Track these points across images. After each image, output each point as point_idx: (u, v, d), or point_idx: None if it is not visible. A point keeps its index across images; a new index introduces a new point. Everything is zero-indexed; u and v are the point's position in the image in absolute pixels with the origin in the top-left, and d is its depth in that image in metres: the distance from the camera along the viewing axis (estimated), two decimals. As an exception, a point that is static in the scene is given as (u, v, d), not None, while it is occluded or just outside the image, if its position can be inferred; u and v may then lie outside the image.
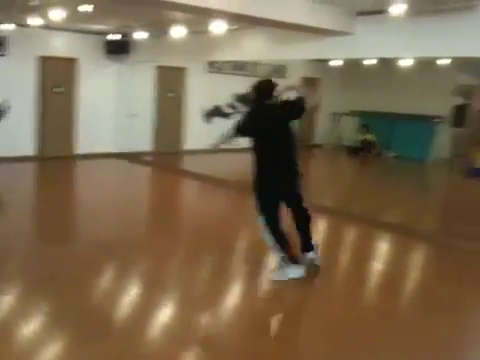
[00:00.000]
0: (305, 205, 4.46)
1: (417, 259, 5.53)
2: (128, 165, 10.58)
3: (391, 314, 3.83)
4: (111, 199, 7.43)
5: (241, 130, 4.35)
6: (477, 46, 6.09)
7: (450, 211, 7.38)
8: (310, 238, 4.50)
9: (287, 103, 4.35)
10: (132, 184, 8.91)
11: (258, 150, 4.29)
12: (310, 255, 4.48)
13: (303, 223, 4.47)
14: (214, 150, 4.80)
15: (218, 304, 3.86)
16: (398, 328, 3.57)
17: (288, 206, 4.43)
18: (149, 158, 11.33)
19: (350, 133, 14.15)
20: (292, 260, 4.29)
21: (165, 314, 3.67)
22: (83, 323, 3.38)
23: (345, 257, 5.11)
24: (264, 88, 4.39)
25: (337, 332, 3.47)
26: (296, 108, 4.32)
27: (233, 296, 4.14)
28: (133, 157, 10.89)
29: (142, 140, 11.46)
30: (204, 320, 3.58)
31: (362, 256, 5.25)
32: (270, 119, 4.26)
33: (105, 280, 4.33)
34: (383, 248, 5.87)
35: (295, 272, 4.27)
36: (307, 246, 4.48)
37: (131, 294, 4.01)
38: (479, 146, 10.49)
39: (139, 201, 7.61)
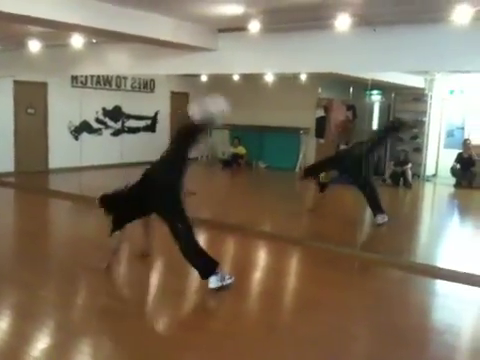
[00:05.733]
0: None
1: (289, 264, 5.76)
2: (-14, 188, 9.76)
3: (270, 322, 3.92)
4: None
5: None
6: (327, 62, 6.55)
7: (316, 216, 7.77)
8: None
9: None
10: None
11: None
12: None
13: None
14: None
15: (94, 331, 3.67)
16: (277, 335, 3.69)
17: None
18: (11, 179, 10.55)
19: (223, 146, 14.46)
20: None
21: (37, 346, 3.42)
22: None
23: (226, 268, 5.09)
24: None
25: (219, 346, 3.46)
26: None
27: (111, 319, 3.95)
28: (-8, 178, 10.09)
29: (2, 160, 10.67)
30: (80, 350, 3.39)
31: (241, 266, 5.34)
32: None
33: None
34: (259, 256, 6.05)
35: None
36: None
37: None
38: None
39: (1, 227, 6.94)
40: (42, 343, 3.47)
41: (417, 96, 12.34)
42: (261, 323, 3.92)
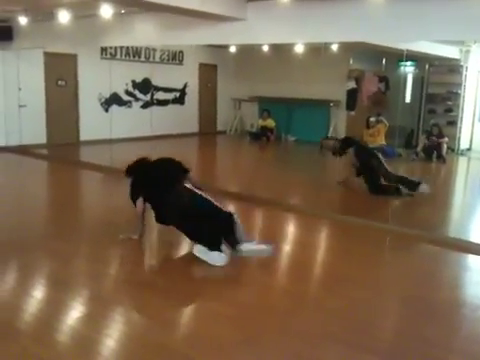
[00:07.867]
0: None
1: (318, 238, 5.72)
2: (20, 159, 9.93)
3: (299, 295, 3.91)
4: (1, 197, 6.90)
5: None
6: (359, 32, 6.34)
7: (346, 189, 7.68)
8: None
9: None
10: (26, 179, 8.30)
11: None
12: None
13: None
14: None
15: (128, 301, 3.72)
16: (305, 308, 3.67)
17: None
18: (44, 151, 10.72)
19: (252, 119, 14.37)
20: None
21: (72, 315, 3.48)
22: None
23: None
24: None
25: (248, 318, 3.47)
26: None
27: (143, 290, 3.99)
28: (25, 150, 10.25)
29: (34, 132, 10.83)
30: (113, 319, 3.44)
31: (270, 239, 5.26)
32: None
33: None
34: (288, 230, 6.03)
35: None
36: None
37: (33, 295, 3.76)
38: (368, 128, 11.03)
39: (35, 198, 7.06)
40: (77, 312, 3.52)
41: (452, 68, 11.96)
42: (289, 296, 3.90)
